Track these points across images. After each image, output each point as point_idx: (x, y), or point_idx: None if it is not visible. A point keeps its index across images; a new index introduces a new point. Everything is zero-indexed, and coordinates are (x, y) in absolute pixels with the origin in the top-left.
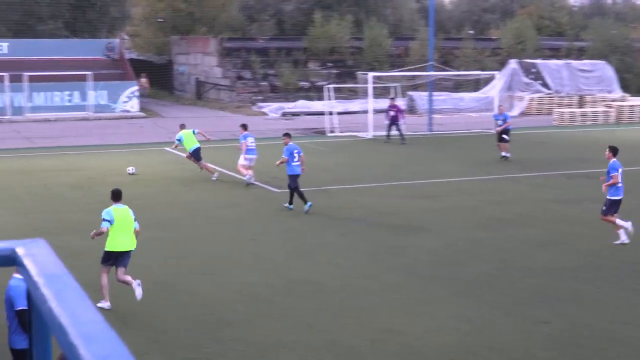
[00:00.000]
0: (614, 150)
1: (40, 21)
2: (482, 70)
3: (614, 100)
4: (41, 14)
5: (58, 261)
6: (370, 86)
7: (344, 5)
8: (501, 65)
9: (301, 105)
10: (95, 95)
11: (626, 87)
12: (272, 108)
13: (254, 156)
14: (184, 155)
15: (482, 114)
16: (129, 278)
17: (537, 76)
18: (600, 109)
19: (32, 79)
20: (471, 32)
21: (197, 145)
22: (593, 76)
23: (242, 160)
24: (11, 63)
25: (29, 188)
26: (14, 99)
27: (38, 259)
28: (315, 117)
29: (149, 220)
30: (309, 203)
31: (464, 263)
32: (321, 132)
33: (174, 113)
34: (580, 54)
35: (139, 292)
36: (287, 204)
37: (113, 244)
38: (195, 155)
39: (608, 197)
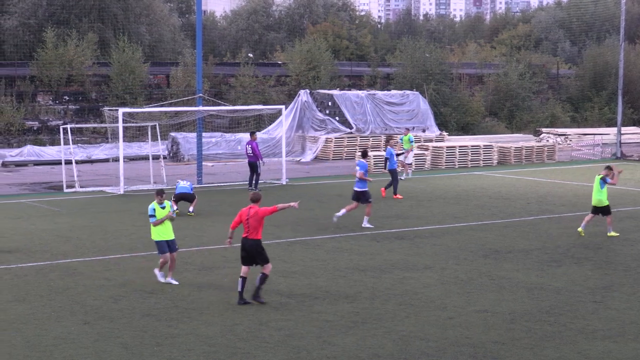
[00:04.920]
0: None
1: None
2: (266, 103)
3: (429, 141)
4: None
5: None
6: (120, 126)
7: (85, 21)
8: (289, 97)
9: (29, 152)
10: None
11: (444, 123)
12: None
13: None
14: None
15: (266, 159)
16: None
17: (335, 111)
18: (413, 151)
19: None
20: (251, 55)
21: None
22: (403, 110)
23: None
24: None
25: None
26: None
27: None
28: (48, 167)
29: None
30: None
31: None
32: (56, 188)
33: None
34: (386, 82)
35: None
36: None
37: None
38: None
39: None
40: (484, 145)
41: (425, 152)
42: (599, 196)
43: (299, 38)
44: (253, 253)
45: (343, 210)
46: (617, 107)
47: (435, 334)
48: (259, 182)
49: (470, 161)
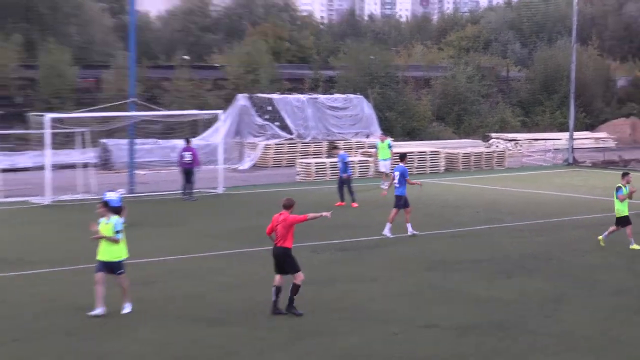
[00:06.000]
0: None
1: None
2: (202, 108)
3: (373, 147)
4: None
5: None
6: (47, 132)
7: (10, 21)
8: (227, 101)
9: None
10: None
11: (389, 129)
12: None
13: None
14: None
15: (201, 167)
16: None
17: (274, 116)
18: (357, 158)
19: None
20: (187, 57)
21: None
22: (346, 115)
23: None
24: None
25: None
26: None
27: None
28: None
29: None
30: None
31: None
32: None
33: None
34: (329, 86)
35: None
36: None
37: None
38: None
39: None
40: (430, 152)
41: (370, 159)
42: (617, 205)
43: (237, 40)
44: (281, 261)
45: (388, 225)
46: (569, 112)
47: (380, 350)
48: (194, 190)
49: (417, 168)
